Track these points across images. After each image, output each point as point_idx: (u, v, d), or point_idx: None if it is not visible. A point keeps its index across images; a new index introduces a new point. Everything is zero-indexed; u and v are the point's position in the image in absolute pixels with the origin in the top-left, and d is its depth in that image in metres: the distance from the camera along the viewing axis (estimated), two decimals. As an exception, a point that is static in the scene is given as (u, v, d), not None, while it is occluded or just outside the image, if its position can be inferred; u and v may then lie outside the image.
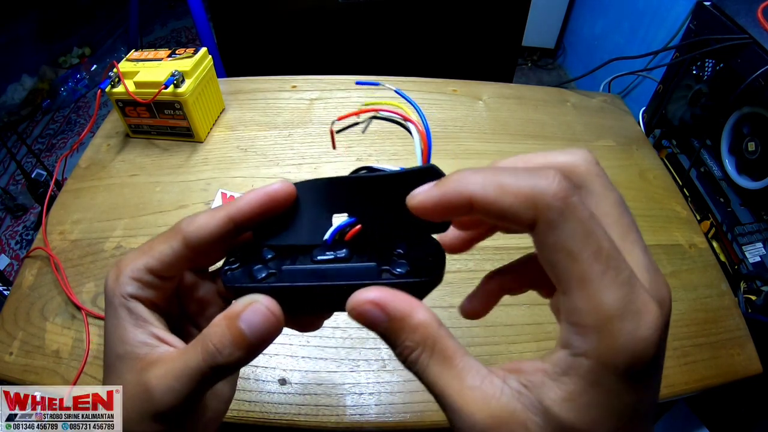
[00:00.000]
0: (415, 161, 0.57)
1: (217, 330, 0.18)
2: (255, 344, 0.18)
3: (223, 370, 0.18)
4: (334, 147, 0.21)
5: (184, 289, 0.23)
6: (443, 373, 0.17)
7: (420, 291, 0.19)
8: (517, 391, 0.15)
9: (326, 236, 0.20)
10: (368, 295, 0.17)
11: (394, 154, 0.58)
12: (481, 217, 0.16)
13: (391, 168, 0.18)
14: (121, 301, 0.20)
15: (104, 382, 0.21)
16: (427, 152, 0.17)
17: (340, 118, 0.19)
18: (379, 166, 0.19)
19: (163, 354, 0.20)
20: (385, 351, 0.40)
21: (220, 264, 0.22)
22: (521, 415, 0.15)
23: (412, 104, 0.16)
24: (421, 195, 0.17)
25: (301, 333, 0.25)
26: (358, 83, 0.18)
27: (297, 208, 0.20)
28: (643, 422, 0.15)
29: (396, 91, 0.17)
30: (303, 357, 0.40)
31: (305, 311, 0.21)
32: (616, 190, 0.17)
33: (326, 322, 0.39)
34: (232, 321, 0.18)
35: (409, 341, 0.17)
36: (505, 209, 0.15)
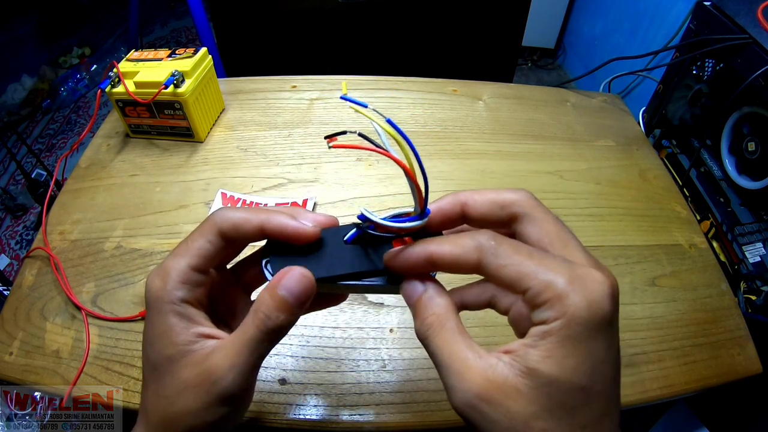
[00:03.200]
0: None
1: (264, 300, 0.22)
2: (296, 305, 0.22)
3: (275, 333, 0.22)
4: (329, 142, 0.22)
5: (213, 292, 0.25)
6: (450, 344, 0.20)
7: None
8: (509, 363, 0.19)
9: (347, 237, 0.24)
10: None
11: (394, 154, 0.58)
12: (468, 224, 0.23)
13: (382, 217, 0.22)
14: (172, 307, 0.22)
15: (149, 384, 0.23)
16: (423, 198, 0.19)
17: (332, 144, 0.19)
18: (371, 216, 0.22)
19: (218, 343, 0.22)
20: (385, 351, 0.40)
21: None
22: (513, 380, 0.19)
23: (403, 137, 0.17)
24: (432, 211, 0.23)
25: (317, 312, 0.29)
26: (342, 98, 0.19)
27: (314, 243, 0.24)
28: (612, 367, 0.19)
29: (388, 121, 0.18)
30: (303, 357, 0.40)
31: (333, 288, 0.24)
32: (553, 214, 0.22)
33: (326, 323, 0.40)
34: (273, 290, 0.22)
35: (432, 313, 0.21)
36: (487, 212, 0.22)
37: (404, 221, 0.22)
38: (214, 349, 0.22)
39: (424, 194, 0.21)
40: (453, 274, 0.22)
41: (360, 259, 0.23)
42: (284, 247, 0.24)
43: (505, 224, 0.22)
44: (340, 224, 0.25)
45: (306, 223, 0.23)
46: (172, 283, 0.23)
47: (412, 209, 0.22)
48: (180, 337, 0.22)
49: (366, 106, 0.20)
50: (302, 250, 0.24)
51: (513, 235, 0.22)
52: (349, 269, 0.23)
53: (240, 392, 0.22)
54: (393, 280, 0.23)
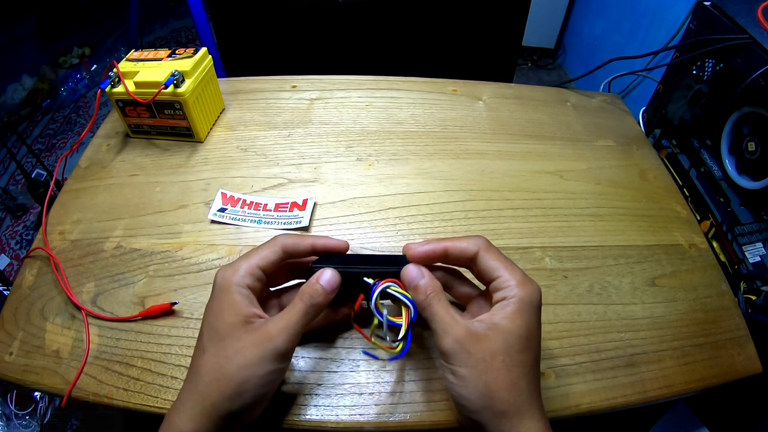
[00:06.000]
0: (414, 163, 0.57)
1: (310, 285, 0.33)
2: (329, 290, 0.33)
3: (314, 309, 0.33)
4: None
5: (259, 297, 0.34)
6: (443, 309, 0.31)
7: None
8: (480, 323, 0.31)
9: (372, 287, 0.34)
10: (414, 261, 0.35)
11: (394, 154, 0.58)
12: (447, 261, 0.36)
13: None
14: (239, 289, 0.32)
15: (207, 348, 0.31)
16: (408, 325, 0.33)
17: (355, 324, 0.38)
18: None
19: (273, 317, 0.32)
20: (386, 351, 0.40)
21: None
22: (483, 331, 0.30)
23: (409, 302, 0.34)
24: (418, 250, 0.35)
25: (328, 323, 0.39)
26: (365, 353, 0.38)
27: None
28: (539, 333, 0.32)
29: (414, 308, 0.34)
30: (303, 357, 0.40)
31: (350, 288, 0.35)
32: (498, 249, 0.34)
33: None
34: (318, 280, 0.34)
35: (431, 290, 0.32)
36: (465, 251, 0.34)
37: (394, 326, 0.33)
38: (269, 320, 0.32)
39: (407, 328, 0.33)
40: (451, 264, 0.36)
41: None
42: (324, 262, 0.36)
43: (470, 260, 0.34)
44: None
45: (341, 240, 0.37)
46: (241, 272, 0.32)
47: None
48: (244, 310, 0.31)
49: (377, 358, 0.38)
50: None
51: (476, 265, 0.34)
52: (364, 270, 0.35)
53: (287, 351, 0.31)
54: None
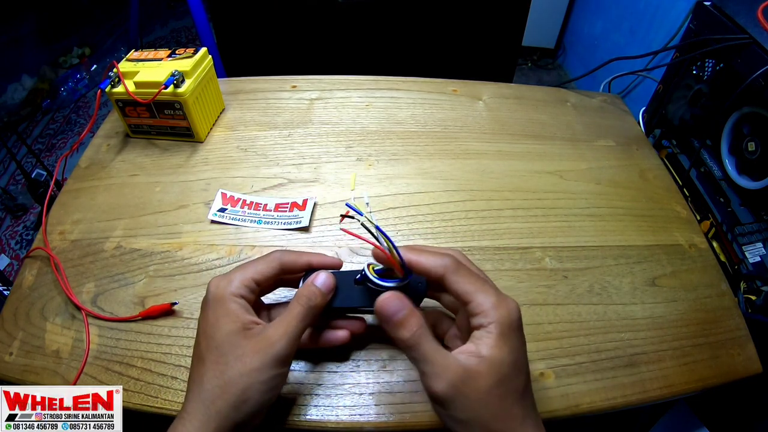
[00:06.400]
0: (414, 163, 0.57)
1: (305, 288, 0.33)
2: (325, 293, 0.33)
3: (312, 311, 0.33)
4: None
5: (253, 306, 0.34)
6: (432, 347, 0.29)
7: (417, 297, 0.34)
8: (468, 357, 0.29)
9: (357, 277, 0.35)
10: (391, 294, 0.31)
11: (394, 154, 0.58)
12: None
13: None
14: (234, 299, 0.32)
15: (206, 358, 0.31)
16: (402, 271, 0.32)
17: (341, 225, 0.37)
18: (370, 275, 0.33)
19: (271, 322, 0.32)
20: (386, 351, 0.40)
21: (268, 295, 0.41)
22: (476, 367, 0.28)
23: (384, 235, 0.31)
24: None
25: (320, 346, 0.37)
26: (347, 205, 0.33)
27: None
28: (525, 354, 0.30)
29: (377, 228, 0.31)
30: (303, 357, 0.40)
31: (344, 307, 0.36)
32: (467, 267, 0.32)
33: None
34: (313, 282, 0.34)
35: (418, 325, 0.30)
36: (429, 272, 0.31)
37: (392, 282, 0.33)
38: (267, 326, 0.32)
39: (402, 269, 0.32)
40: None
41: (362, 295, 0.35)
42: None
43: (439, 280, 0.32)
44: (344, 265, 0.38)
45: (336, 257, 0.37)
46: (236, 283, 0.32)
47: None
48: (241, 318, 0.31)
49: (362, 214, 0.31)
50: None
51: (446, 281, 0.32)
52: (355, 303, 0.35)
53: (287, 356, 0.31)
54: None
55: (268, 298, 0.42)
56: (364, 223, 0.31)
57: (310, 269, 0.36)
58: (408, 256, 0.32)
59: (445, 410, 0.29)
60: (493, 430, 0.28)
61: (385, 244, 0.31)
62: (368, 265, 0.34)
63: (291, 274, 0.36)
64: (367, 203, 0.32)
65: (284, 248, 0.46)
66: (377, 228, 0.31)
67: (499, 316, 0.29)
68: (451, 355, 0.29)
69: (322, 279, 0.34)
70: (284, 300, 0.42)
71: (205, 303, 0.32)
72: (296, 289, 0.35)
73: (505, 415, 0.28)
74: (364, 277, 0.33)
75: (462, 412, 0.28)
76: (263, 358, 0.30)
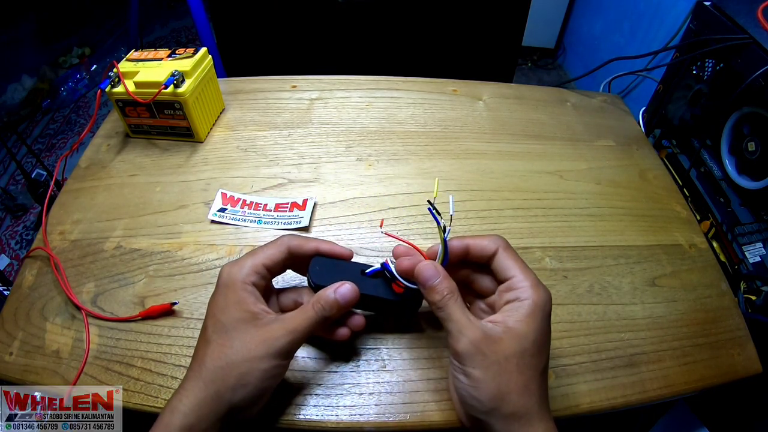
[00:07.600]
0: (414, 163, 0.57)
1: (325, 296, 0.33)
2: (343, 306, 0.34)
3: (323, 320, 0.33)
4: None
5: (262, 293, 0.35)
6: (459, 310, 0.31)
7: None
8: (495, 324, 0.31)
9: (368, 271, 0.37)
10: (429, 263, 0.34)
11: (394, 154, 0.58)
12: (468, 257, 0.35)
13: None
14: (244, 286, 0.33)
15: (212, 340, 0.31)
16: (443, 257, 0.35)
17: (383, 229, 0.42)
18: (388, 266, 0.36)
19: (281, 315, 0.33)
20: (385, 351, 0.40)
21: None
22: (498, 334, 0.30)
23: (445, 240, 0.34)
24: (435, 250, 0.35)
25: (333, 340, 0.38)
26: (429, 210, 0.35)
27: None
28: (549, 338, 0.32)
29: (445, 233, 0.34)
30: (303, 357, 0.40)
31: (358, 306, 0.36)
32: (515, 251, 0.34)
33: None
34: (335, 293, 0.33)
35: (447, 291, 0.32)
36: (485, 249, 0.34)
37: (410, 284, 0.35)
38: (277, 318, 0.33)
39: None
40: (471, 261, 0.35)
41: (380, 287, 0.36)
42: (322, 265, 0.36)
43: (489, 258, 0.34)
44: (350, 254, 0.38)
45: (347, 248, 0.38)
46: (247, 270, 0.33)
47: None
48: (251, 307, 0.32)
49: (440, 223, 0.33)
50: (331, 270, 0.36)
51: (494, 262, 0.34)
52: (374, 293, 0.36)
53: (290, 351, 0.32)
54: (402, 302, 0.36)
55: (276, 282, 0.42)
56: (445, 226, 0.33)
57: (318, 255, 0.37)
58: (464, 242, 0.34)
59: (462, 365, 0.30)
60: (508, 399, 0.29)
61: (441, 252, 0.34)
62: (388, 261, 0.35)
63: (299, 258, 0.36)
64: (452, 214, 0.34)
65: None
66: (445, 240, 0.34)
67: (534, 296, 0.31)
68: (475, 319, 0.31)
69: (343, 291, 0.34)
70: (294, 285, 0.42)
71: (217, 288, 0.34)
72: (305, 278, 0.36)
73: (522, 388, 0.29)
74: (388, 271, 0.35)
75: (478, 369, 0.29)
76: (267, 350, 0.31)
